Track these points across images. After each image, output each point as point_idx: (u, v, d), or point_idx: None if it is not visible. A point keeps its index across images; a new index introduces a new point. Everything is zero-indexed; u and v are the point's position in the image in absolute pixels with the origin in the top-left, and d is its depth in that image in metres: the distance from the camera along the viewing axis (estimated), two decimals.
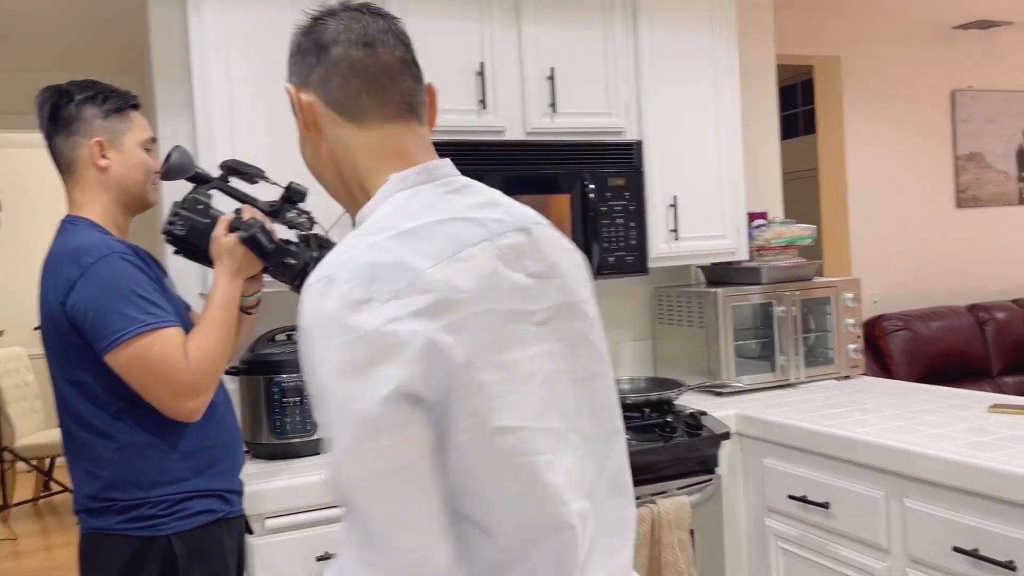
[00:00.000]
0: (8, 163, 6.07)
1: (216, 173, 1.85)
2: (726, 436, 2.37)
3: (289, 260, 1.81)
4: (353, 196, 1.06)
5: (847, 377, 2.86)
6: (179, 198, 1.79)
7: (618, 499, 1.02)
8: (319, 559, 1.98)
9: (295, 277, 1.84)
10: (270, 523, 1.96)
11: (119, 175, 1.70)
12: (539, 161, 2.47)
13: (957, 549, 1.80)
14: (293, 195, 1.86)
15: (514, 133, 2.49)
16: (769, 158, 3.30)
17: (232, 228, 1.73)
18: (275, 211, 1.84)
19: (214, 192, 1.81)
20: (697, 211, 2.74)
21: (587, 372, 1.00)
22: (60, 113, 1.67)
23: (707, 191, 2.76)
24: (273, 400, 2.17)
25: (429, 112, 1.13)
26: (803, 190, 5.00)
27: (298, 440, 2.18)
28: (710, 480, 2.34)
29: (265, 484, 1.98)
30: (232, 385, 2.38)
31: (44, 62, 3.64)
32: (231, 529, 1.73)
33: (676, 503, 2.21)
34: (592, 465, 0.98)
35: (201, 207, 1.76)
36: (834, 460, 2.13)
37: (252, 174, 1.86)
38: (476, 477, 0.89)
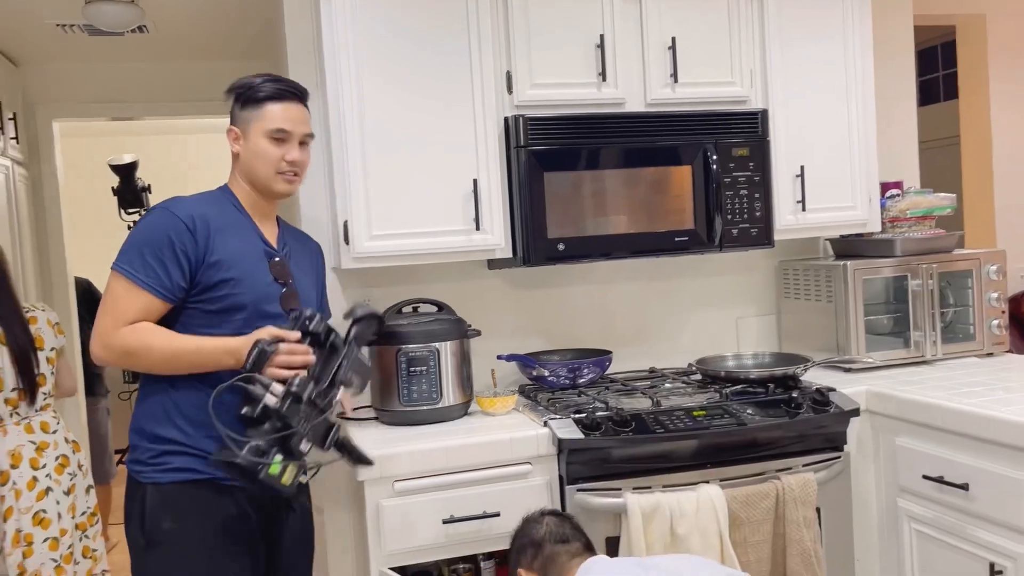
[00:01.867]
0: (155, 149, 6.49)
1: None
2: (855, 413, 2.29)
3: (247, 435, 1.66)
4: None
5: (990, 354, 2.71)
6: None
7: None
8: (445, 522, 2.05)
9: (230, 447, 1.65)
10: (399, 486, 2.05)
11: (245, 162, 1.89)
12: (660, 133, 2.44)
13: None
14: (331, 429, 1.76)
15: (634, 105, 2.47)
16: (905, 125, 3.14)
17: (266, 349, 1.70)
18: (309, 400, 1.72)
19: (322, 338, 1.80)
20: (826, 181, 2.64)
21: None
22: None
23: (837, 160, 2.66)
24: (400, 369, 2.26)
25: None
26: (943, 159, 4.73)
27: (425, 408, 2.26)
28: (838, 458, 2.27)
29: (394, 449, 2.06)
30: None
31: (183, 52, 3.86)
32: (224, 493, 1.78)
33: (802, 480, 2.16)
34: None
35: (307, 329, 1.77)
36: (975, 440, 2.03)
37: (350, 381, 1.82)
38: None
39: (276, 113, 1.86)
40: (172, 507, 1.74)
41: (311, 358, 1.77)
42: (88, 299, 4.28)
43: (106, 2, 2.86)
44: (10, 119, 3.45)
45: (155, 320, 1.78)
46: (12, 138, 3.47)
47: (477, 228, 2.35)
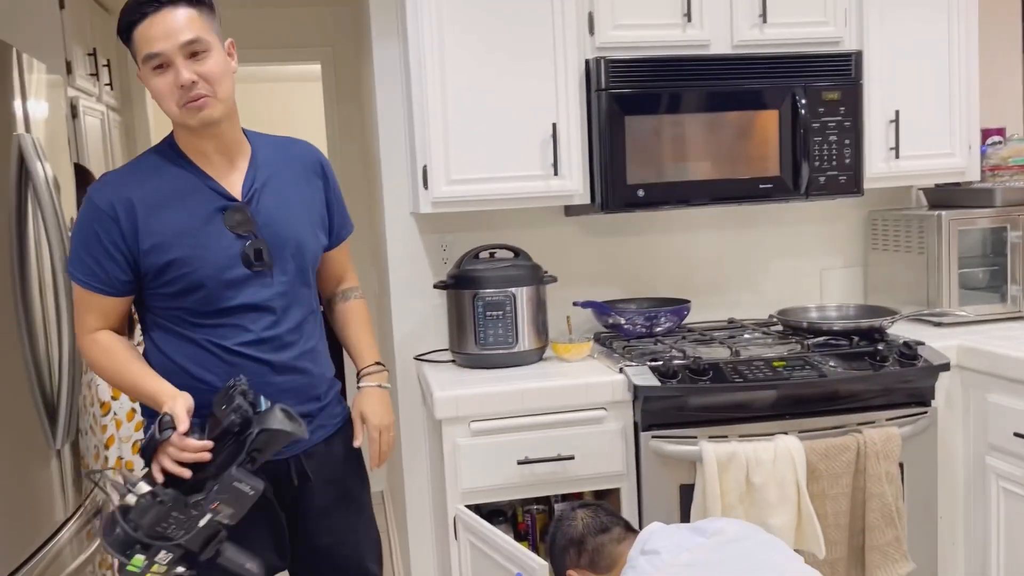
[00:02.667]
0: (248, 96, 6.64)
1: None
2: (944, 368, 2.21)
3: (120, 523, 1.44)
4: None
5: None
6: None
7: None
8: (520, 463, 2.08)
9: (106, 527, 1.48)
10: (475, 426, 2.08)
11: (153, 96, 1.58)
12: (746, 76, 2.36)
13: None
14: (215, 537, 1.48)
15: (720, 47, 2.39)
16: (1009, 70, 2.96)
17: (156, 436, 1.46)
18: (184, 507, 1.44)
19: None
20: (921, 127, 2.52)
21: None
22: None
23: (934, 105, 2.53)
24: (477, 313, 2.28)
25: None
26: None
27: (501, 351, 2.29)
28: (924, 413, 2.20)
29: (470, 390, 2.10)
30: (439, 300, 2.53)
31: None
32: None
33: (885, 434, 2.11)
34: None
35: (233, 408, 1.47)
36: None
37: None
38: None
39: (140, 39, 1.51)
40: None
41: (203, 456, 1.47)
42: None
43: None
44: (104, 66, 3.56)
45: (125, 310, 1.64)
46: (106, 84, 3.59)
47: (555, 173, 2.33)
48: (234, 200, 1.61)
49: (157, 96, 1.54)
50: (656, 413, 2.11)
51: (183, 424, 1.47)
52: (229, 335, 1.61)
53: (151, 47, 1.49)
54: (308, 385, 1.69)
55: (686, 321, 2.59)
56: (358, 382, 1.84)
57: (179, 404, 1.50)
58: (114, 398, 2.67)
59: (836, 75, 2.40)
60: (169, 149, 1.62)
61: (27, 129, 1.89)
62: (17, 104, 1.86)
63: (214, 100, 1.54)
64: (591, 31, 2.33)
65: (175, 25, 1.50)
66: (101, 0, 3.67)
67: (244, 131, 1.69)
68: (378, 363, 1.85)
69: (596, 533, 1.72)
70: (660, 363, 2.14)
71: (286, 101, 6.52)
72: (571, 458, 2.10)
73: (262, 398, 1.52)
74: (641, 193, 2.33)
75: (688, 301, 2.54)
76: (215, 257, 1.57)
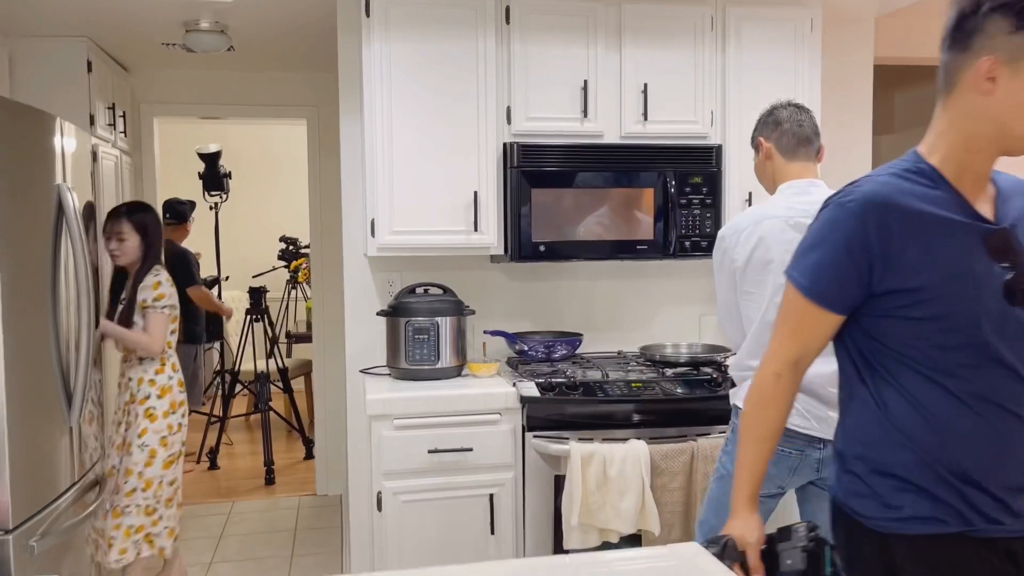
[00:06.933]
0: (234, 141, 7.32)
1: None
2: None
3: None
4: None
5: None
6: None
7: None
8: (430, 452, 2.69)
9: None
10: (397, 422, 2.70)
11: (999, 106, 1.35)
12: (630, 161, 3.02)
13: None
14: None
15: (610, 137, 3.06)
16: (861, 159, 3.64)
17: (725, 559, 1.44)
18: None
19: None
20: None
21: None
22: (963, 24, 1.37)
23: None
24: (407, 336, 2.90)
25: (819, 156, 2.32)
26: None
27: (426, 367, 2.90)
28: None
29: (397, 395, 2.71)
30: (381, 325, 3.14)
31: (260, 64, 4.57)
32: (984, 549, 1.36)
33: (714, 443, 2.73)
34: None
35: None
36: None
37: None
38: None
39: None
40: (931, 569, 1.38)
41: None
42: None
43: (203, 32, 3.56)
44: (120, 116, 4.21)
45: (828, 339, 1.48)
46: (121, 132, 4.23)
47: (475, 230, 2.97)
48: (993, 224, 1.41)
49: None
50: (538, 419, 2.73)
51: (756, 573, 1.47)
52: (978, 381, 1.38)
53: None
54: None
55: (583, 351, 3.22)
56: None
57: (749, 536, 1.48)
58: (160, 396, 3.08)
59: (702, 162, 3.07)
60: (921, 163, 1.44)
61: (63, 175, 2.52)
62: (58, 159, 2.50)
63: None
64: (508, 121, 2.99)
65: None
66: (121, 62, 4.33)
67: None
68: None
69: (792, 136, 2.27)
70: (543, 380, 2.76)
71: (276, 143, 7.20)
72: (470, 450, 2.71)
73: (828, 555, 1.40)
74: (542, 248, 2.97)
75: (580, 334, 3.17)
76: (977, 285, 1.37)
